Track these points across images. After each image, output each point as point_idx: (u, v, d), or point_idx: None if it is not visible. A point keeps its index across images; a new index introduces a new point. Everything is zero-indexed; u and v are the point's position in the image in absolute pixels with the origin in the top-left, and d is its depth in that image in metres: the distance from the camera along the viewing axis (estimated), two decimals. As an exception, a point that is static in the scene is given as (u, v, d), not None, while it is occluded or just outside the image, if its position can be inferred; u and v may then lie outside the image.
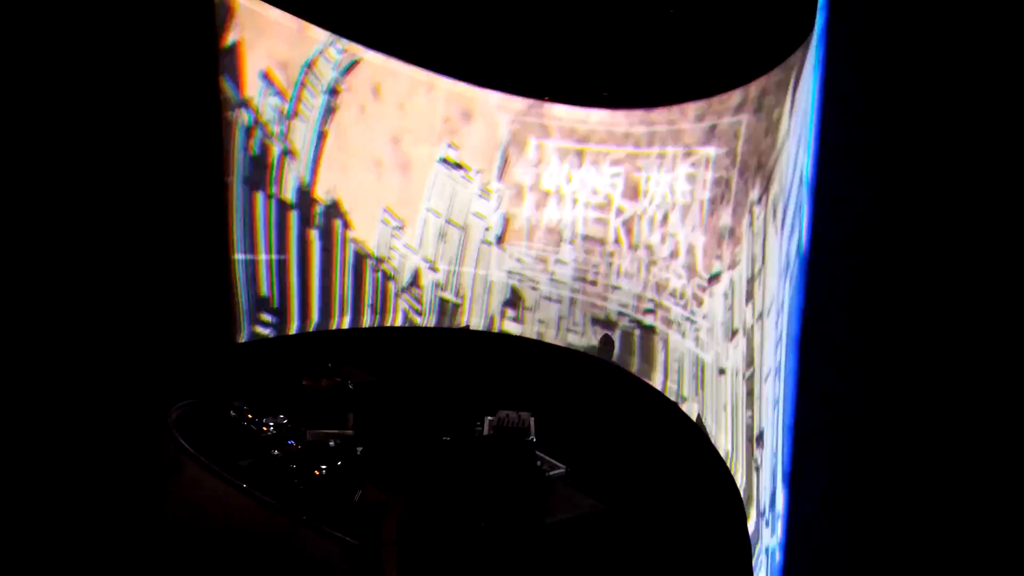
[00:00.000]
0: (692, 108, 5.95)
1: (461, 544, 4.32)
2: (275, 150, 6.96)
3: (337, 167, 7.23)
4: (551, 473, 4.88)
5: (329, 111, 7.11)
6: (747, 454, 4.65)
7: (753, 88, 5.17)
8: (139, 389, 5.87)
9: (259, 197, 6.94)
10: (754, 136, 5.05)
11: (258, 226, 6.96)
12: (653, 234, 6.32)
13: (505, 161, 7.42)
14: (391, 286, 7.64)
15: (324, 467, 4.58)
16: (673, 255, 6.08)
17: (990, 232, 2.60)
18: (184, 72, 6.31)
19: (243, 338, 7.01)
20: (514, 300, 7.60)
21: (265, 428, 4.99)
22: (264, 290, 7.07)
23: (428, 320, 7.75)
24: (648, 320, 6.45)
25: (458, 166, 7.50)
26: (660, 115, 6.33)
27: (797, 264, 3.24)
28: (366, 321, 7.58)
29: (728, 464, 5.15)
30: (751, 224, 4.89)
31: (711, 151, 5.63)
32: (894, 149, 2.70)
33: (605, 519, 4.71)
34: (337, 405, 5.42)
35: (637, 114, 6.57)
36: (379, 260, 7.54)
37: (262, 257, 7.02)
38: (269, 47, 6.79)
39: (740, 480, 4.88)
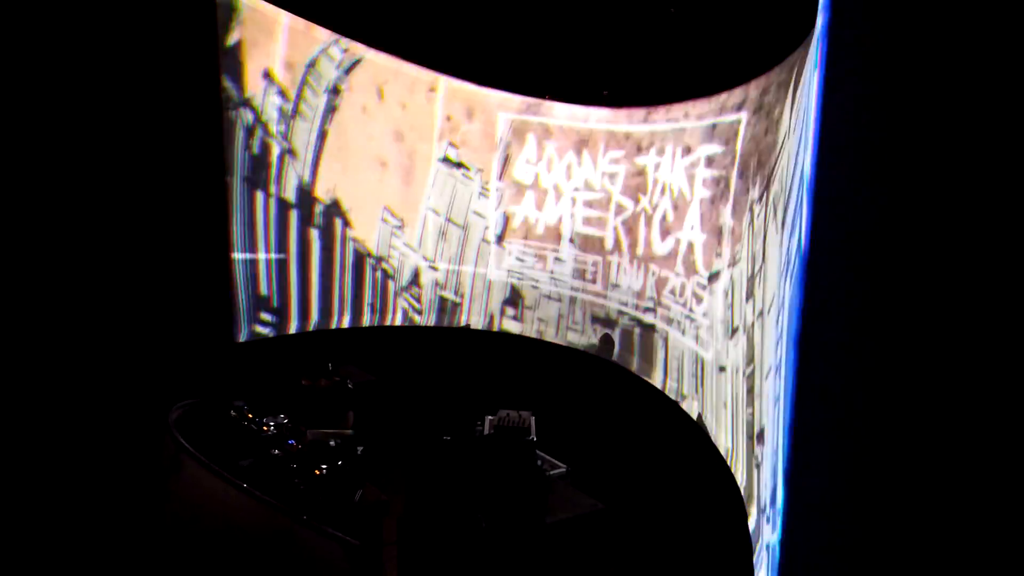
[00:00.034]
0: (692, 107, 5.95)
1: (461, 544, 4.32)
2: (276, 149, 6.96)
3: (338, 166, 7.23)
4: (551, 472, 4.88)
5: (330, 110, 7.11)
6: (747, 451, 4.65)
7: (754, 87, 5.17)
8: (139, 389, 5.87)
9: (259, 196, 6.94)
10: (754, 135, 5.04)
11: (258, 225, 6.96)
12: (653, 232, 6.32)
13: (505, 160, 7.42)
14: (391, 285, 7.64)
15: (324, 467, 4.58)
16: (673, 253, 6.08)
17: (990, 231, 2.60)
18: (186, 71, 6.31)
19: (243, 337, 7.01)
20: (514, 299, 7.61)
21: (265, 428, 5.00)
22: (264, 289, 7.08)
23: (428, 319, 7.75)
24: (648, 318, 6.45)
25: (458, 165, 7.50)
26: (660, 114, 6.33)
27: (797, 263, 3.24)
28: (366, 320, 7.58)
29: (728, 462, 5.15)
30: (751, 222, 4.89)
31: (711, 149, 5.62)
32: (894, 148, 2.69)
33: (605, 518, 4.71)
34: (337, 404, 5.42)
35: (637, 113, 6.57)
36: (379, 259, 7.54)
37: (262, 256, 7.03)
38: (271, 46, 6.79)
39: (740, 478, 4.88)
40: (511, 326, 7.65)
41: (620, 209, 6.71)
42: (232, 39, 6.63)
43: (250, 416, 5.08)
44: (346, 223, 7.35)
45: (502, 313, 7.67)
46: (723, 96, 5.56)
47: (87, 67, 5.88)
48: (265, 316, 7.13)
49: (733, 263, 5.18)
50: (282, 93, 6.89)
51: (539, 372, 7.17)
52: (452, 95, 7.39)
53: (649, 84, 6.30)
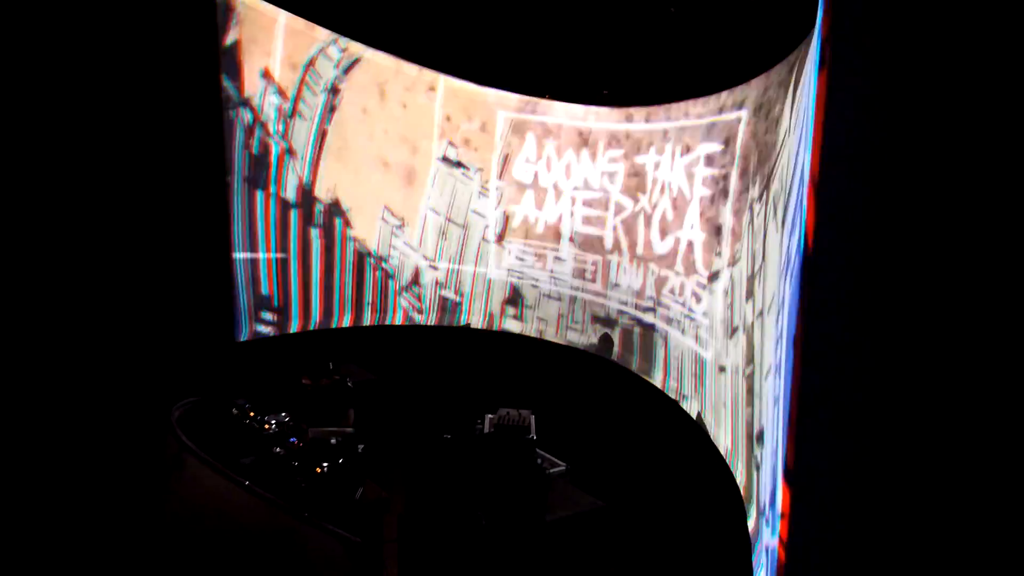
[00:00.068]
0: (692, 105, 5.96)
1: (462, 541, 4.33)
2: (275, 149, 6.97)
3: (338, 166, 7.24)
4: (551, 471, 4.89)
5: (329, 110, 7.12)
6: (747, 452, 4.66)
7: (754, 85, 5.18)
8: (141, 387, 5.88)
9: (260, 196, 6.95)
10: (755, 133, 5.05)
11: (259, 225, 6.97)
12: (652, 231, 6.33)
13: (505, 159, 7.43)
14: (392, 284, 7.65)
15: (326, 464, 4.59)
16: (672, 252, 6.09)
17: (991, 231, 2.61)
18: (185, 71, 6.31)
19: (244, 336, 7.03)
20: (514, 298, 7.62)
21: (267, 426, 5.01)
22: (265, 289, 7.09)
23: (429, 318, 7.76)
24: (648, 318, 6.46)
25: (458, 164, 7.51)
26: (660, 112, 6.34)
27: (797, 262, 3.25)
28: (367, 320, 7.60)
29: (728, 462, 5.16)
30: (751, 221, 4.90)
31: (711, 148, 5.63)
32: (895, 147, 2.70)
33: (605, 517, 4.72)
34: (338, 403, 5.44)
35: (637, 112, 6.58)
36: (380, 259, 7.55)
37: (263, 256, 7.04)
38: (269, 46, 6.80)
39: (740, 478, 4.89)
40: (512, 325, 7.66)
41: (619, 208, 6.72)
42: (230, 39, 6.63)
43: (252, 414, 5.10)
44: (346, 223, 7.36)
45: (503, 312, 7.68)
46: (723, 95, 5.57)
47: (86, 67, 5.88)
48: (266, 315, 7.14)
49: (733, 262, 5.19)
50: (281, 93, 6.90)
51: (539, 371, 7.18)
52: (452, 94, 7.40)
53: (649, 83, 6.31)
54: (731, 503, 4.90)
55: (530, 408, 5.24)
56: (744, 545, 4.54)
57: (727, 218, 5.35)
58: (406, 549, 4.53)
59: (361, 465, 4.74)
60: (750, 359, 4.65)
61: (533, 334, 7.53)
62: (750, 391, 4.61)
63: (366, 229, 7.46)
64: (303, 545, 4.24)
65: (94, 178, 6.02)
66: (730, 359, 5.12)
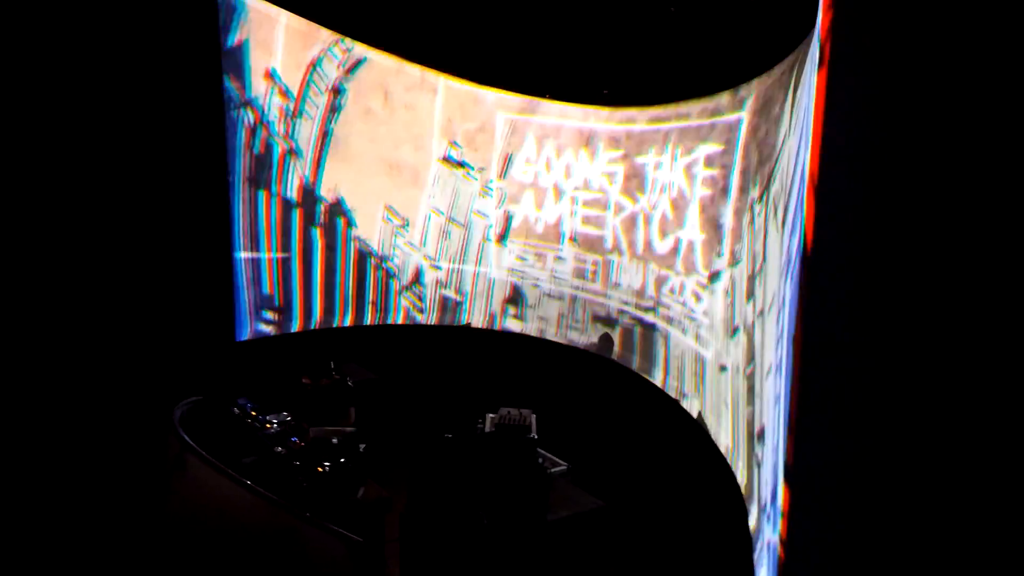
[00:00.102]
0: (693, 105, 5.96)
1: (463, 541, 4.34)
2: (278, 149, 6.98)
3: (340, 166, 7.25)
4: (553, 470, 4.90)
5: (333, 110, 7.13)
6: (748, 450, 4.67)
7: (754, 85, 5.19)
8: (143, 387, 5.89)
9: (262, 196, 6.97)
10: (755, 133, 5.06)
11: (261, 224, 6.99)
12: (652, 231, 6.34)
13: (506, 159, 7.44)
14: (393, 284, 7.66)
15: (327, 464, 4.60)
16: (673, 252, 6.09)
17: (991, 231, 2.62)
18: (188, 71, 6.33)
19: (246, 336, 7.04)
20: (515, 297, 7.62)
21: (268, 425, 5.02)
22: (266, 288, 7.10)
23: (430, 318, 7.77)
24: (648, 317, 6.47)
25: (459, 164, 7.52)
26: (661, 112, 6.34)
27: (797, 262, 3.26)
28: (368, 319, 7.61)
29: (729, 460, 5.17)
30: (751, 221, 4.91)
31: (711, 148, 5.64)
32: (895, 147, 2.71)
33: (606, 516, 4.73)
34: (339, 402, 5.45)
35: (637, 111, 6.58)
36: (381, 258, 7.57)
37: (265, 255, 7.05)
38: (273, 46, 6.81)
39: (740, 476, 4.89)
40: (512, 325, 7.67)
41: (619, 208, 6.73)
42: (234, 39, 6.65)
43: (253, 414, 5.10)
44: (348, 222, 7.37)
45: (504, 312, 7.69)
46: (723, 95, 5.58)
47: (90, 68, 5.89)
48: (268, 315, 7.15)
49: (733, 262, 5.20)
50: (284, 93, 6.91)
51: (540, 370, 7.19)
52: (452, 95, 7.41)
53: (649, 83, 6.31)
54: (732, 502, 4.91)
55: (531, 407, 5.24)
56: (745, 544, 4.54)
57: (727, 218, 5.36)
58: (408, 548, 4.54)
59: (362, 464, 4.75)
60: (751, 358, 4.65)
61: (534, 334, 7.54)
62: (751, 390, 4.62)
63: (368, 229, 7.47)
64: (304, 545, 4.25)
65: (96, 178, 6.03)
66: (731, 358, 5.13)
